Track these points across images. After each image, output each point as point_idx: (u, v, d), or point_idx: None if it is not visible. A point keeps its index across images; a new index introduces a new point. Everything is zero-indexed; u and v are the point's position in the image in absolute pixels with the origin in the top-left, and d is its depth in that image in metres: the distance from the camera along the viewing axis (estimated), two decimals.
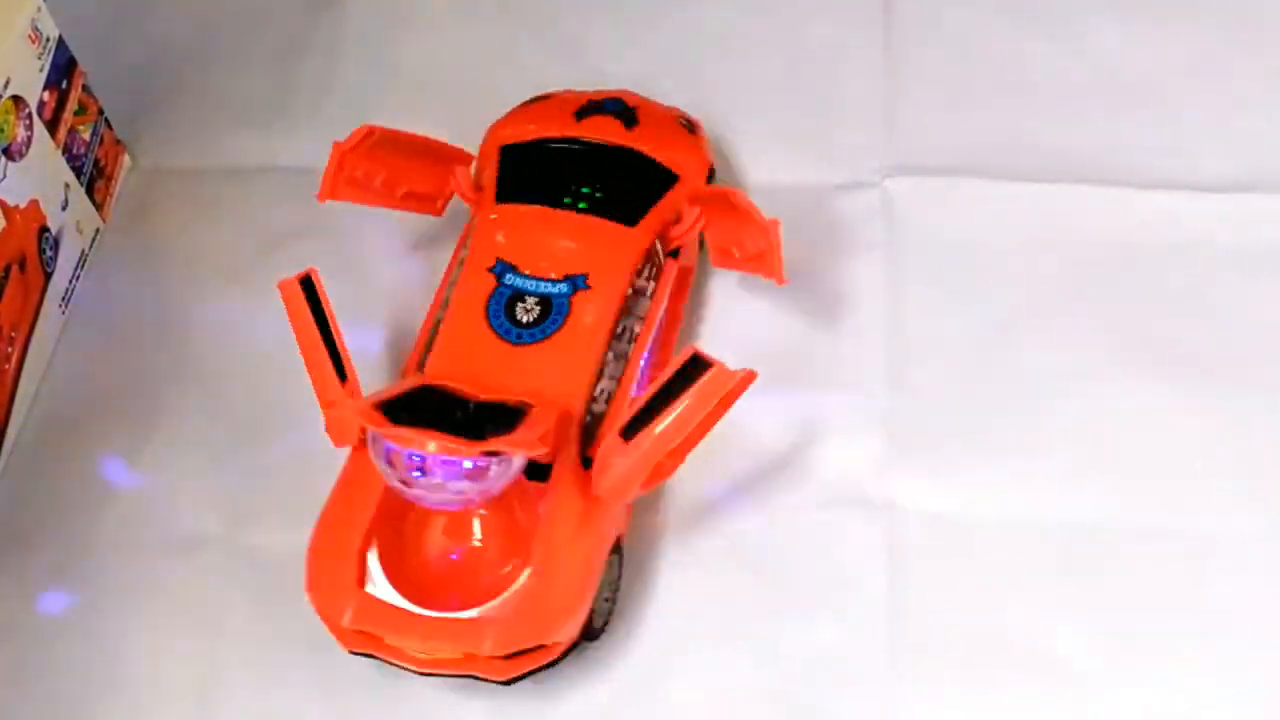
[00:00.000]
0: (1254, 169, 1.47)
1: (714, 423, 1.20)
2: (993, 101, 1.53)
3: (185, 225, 1.50)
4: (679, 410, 1.15)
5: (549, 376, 1.22)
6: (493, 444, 1.10)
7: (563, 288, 1.27)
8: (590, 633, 1.22)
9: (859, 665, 1.24)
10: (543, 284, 1.27)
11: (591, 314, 1.25)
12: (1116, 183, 1.47)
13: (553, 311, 1.25)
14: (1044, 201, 1.46)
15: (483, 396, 1.18)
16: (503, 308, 1.26)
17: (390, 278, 1.46)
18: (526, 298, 1.26)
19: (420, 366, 1.27)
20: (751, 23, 1.60)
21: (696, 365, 1.16)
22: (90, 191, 1.47)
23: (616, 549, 1.24)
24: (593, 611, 1.20)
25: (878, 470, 1.32)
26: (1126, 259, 1.43)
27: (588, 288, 1.26)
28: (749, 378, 1.18)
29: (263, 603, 1.28)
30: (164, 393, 1.39)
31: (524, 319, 1.25)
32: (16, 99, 1.34)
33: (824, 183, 1.42)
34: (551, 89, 1.56)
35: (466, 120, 1.55)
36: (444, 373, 1.24)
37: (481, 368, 1.23)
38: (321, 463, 1.34)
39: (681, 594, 1.27)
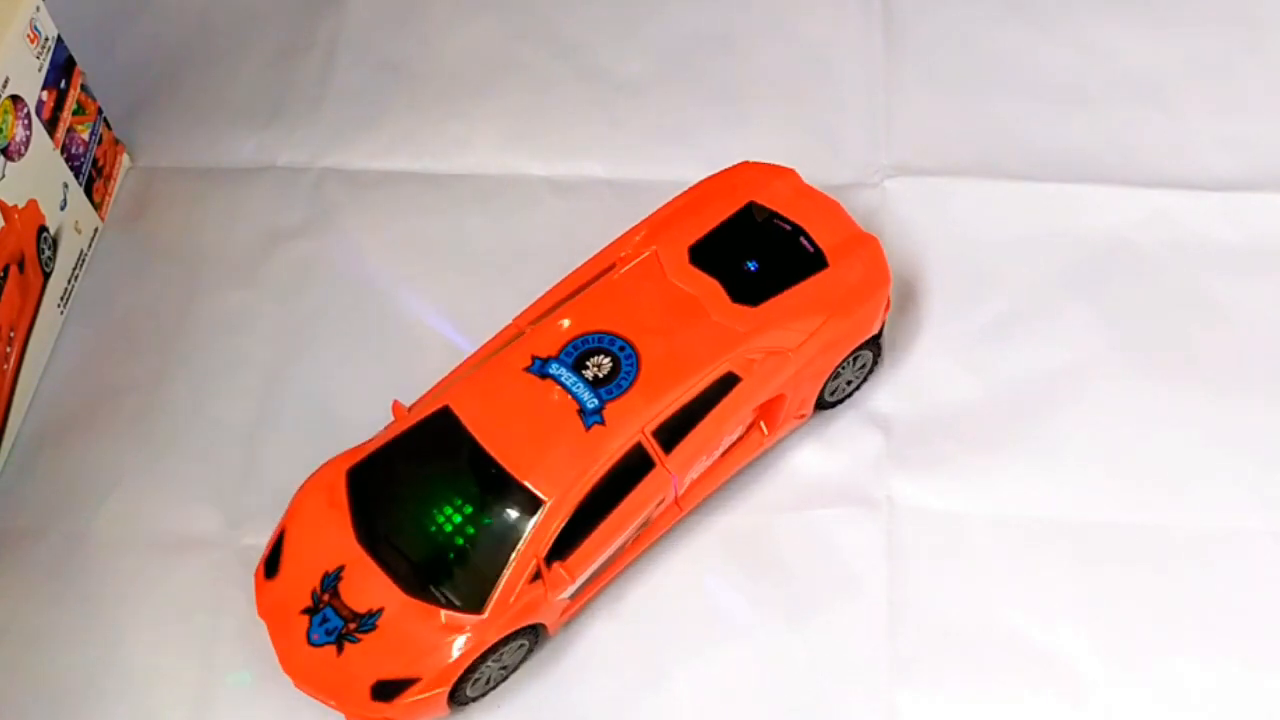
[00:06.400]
0: (1254, 168, 1.47)
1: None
2: (993, 101, 1.53)
3: (184, 225, 1.50)
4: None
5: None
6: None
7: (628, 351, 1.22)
8: (460, 698, 1.19)
9: (859, 665, 1.24)
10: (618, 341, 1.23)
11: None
12: (1116, 181, 1.47)
13: (623, 369, 1.21)
14: (1044, 201, 1.46)
15: (492, 453, 1.17)
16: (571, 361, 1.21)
17: (389, 275, 1.46)
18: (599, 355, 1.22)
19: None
20: (751, 22, 1.60)
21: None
22: (89, 191, 1.47)
23: (532, 633, 1.20)
24: (468, 680, 1.17)
25: (878, 470, 1.32)
26: (1126, 258, 1.43)
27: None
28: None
29: None
30: (163, 392, 1.39)
31: (592, 375, 1.20)
32: (15, 98, 1.34)
33: (824, 183, 1.41)
34: (552, 88, 1.56)
35: (466, 121, 1.55)
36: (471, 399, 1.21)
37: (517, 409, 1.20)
38: (320, 462, 1.35)
39: (681, 594, 1.27)
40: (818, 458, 1.33)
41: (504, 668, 1.21)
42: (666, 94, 1.55)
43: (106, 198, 1.51)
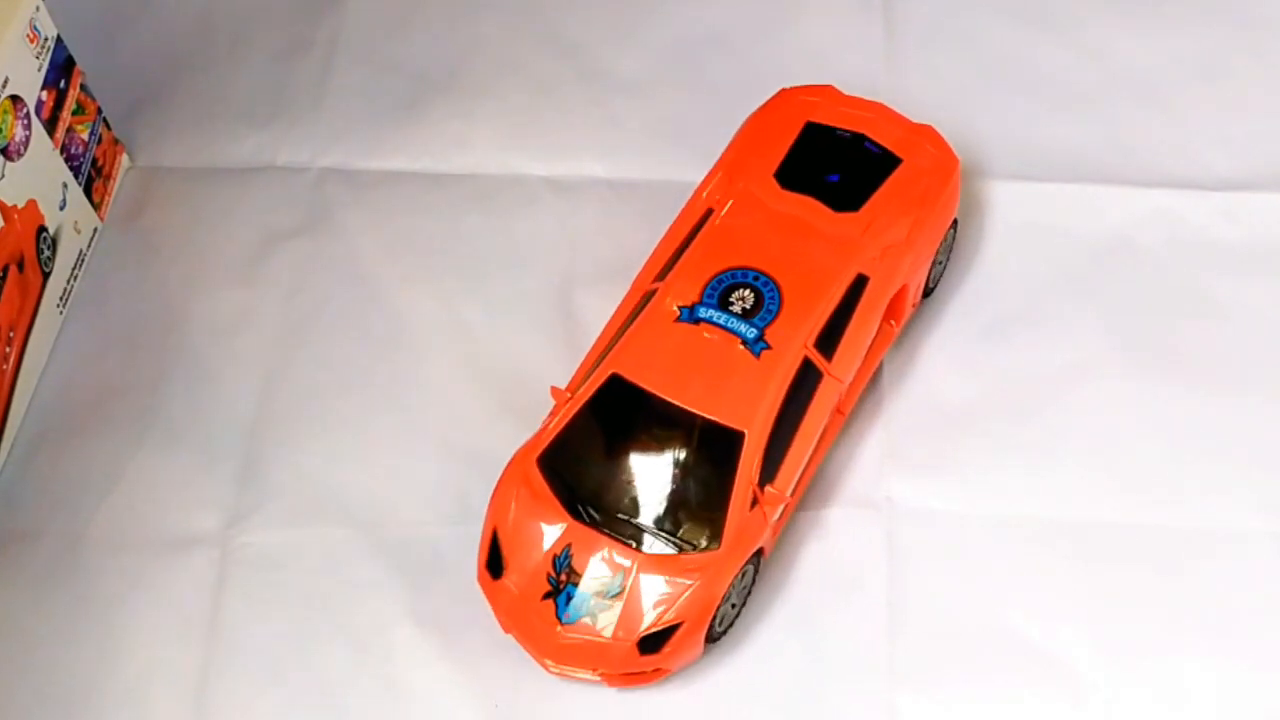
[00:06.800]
0: (1255, 168, 1.47)
1: None
2: (993, 101, 1.53)
3: (183, 225, 1.50)
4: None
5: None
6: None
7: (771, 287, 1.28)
8: (711, 635, 1.22)
9: (859, 666, 1.24)
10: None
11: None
12: (1117, 181, 1.47)
13: (766, 297, 1.26)
14: (1044, 201, 1.46)
15: (677, 401, 1.22)
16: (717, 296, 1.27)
17: (389, 275, 1.46)
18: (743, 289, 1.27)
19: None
20: (751, 22, 1.60)
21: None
22: (88, 191, 1.47)
23: (755, 559, 1.23)
24: (718, 615, 1.21)
25: (878, 470, 1.32)
26: (1127, 258, 1.43)
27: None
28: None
29: (260, 601, 1.28)
30: (162, 392, 1.39)
31: (738, 308, 1.26)
32: (15, 98, 1.34)
33: None
34: (552, 89, 1.56)
35: (466, 121, 1.55)
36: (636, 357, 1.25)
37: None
38: (319, 462, 1.35)
39: None
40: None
41: (733, 605, 1.24)
42: (666, 94, 1.55)
43: (106, 197, 1.51)
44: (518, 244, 1.47)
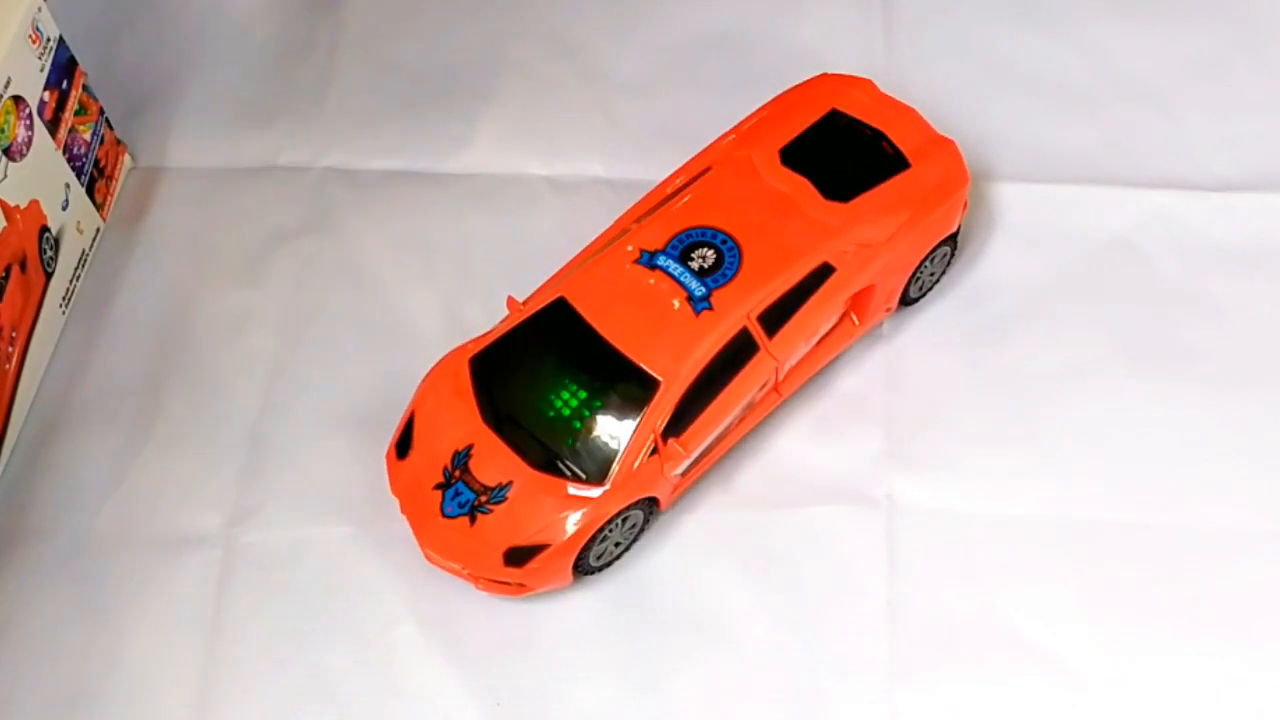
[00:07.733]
0: (1254, 168, 1.47)
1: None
2: (993, 102, 1.53)
3: (185, 225, 1.51)
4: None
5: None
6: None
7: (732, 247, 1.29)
8: (584, 567, 1.25)
9: (859, 665, 1.24)
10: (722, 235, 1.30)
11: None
12: (1116, 182, 1.47)
13: (726, 261, 1.28)
14: (1044, 201, 1.46)
15: (608, 338, 1.25)
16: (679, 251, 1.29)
17: (390, 275, 1.46)
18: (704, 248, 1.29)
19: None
20: (751, 22, 1.61)
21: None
22: (91, 191, 1.47)
23: (647, 506, 1.26)
24: (592, 550, 1.24)
25: (878, 469, 1.33)
26: (1126, 258, 1.43)
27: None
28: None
29: (262, 600, 1.28)
30: (164, 392, 1.40)
31: (697, 265, 1.28)
32: (17, 99, 1.34)
33: None
34: (552, 89, 1.57)
35: (466, 120, 1.55)
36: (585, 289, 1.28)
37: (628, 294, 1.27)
38: (320, 461, 1.35)
39: (680, 591, 1.28)
40: (818, 455, 1.34)
41: (618, 544, 1.27)
42: (666, 94, 1.56)
43: (108, 198, 1.51)
44: (518, 243, 1.47)
